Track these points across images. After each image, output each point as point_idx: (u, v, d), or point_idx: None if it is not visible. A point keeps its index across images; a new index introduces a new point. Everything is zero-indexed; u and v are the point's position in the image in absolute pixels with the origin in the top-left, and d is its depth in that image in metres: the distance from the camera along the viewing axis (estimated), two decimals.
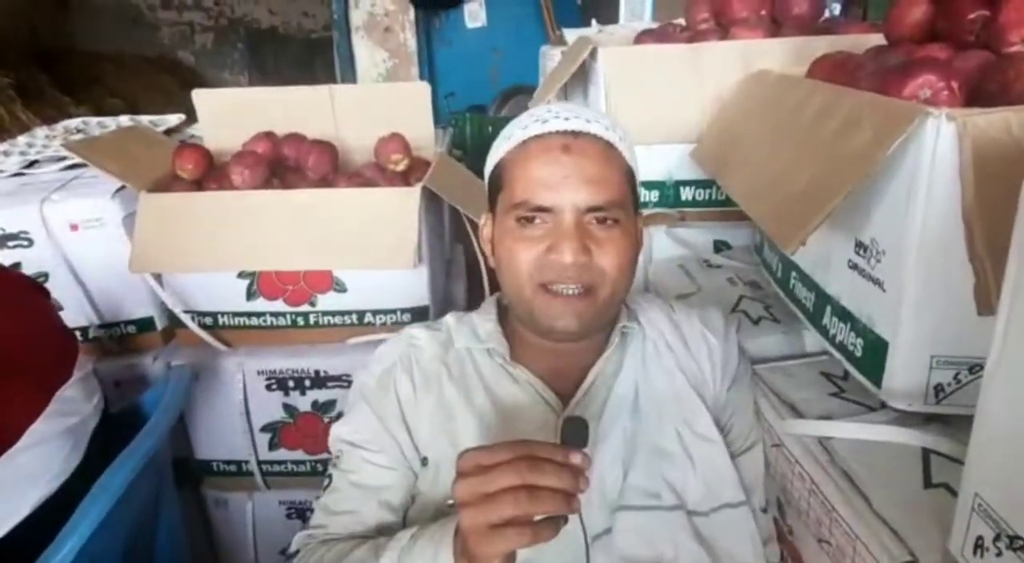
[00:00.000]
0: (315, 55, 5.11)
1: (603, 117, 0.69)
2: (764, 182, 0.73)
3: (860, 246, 0.66)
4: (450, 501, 0.69)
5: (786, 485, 0.69)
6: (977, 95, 0.61)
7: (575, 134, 0.66)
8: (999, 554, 0.39)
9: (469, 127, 2.59)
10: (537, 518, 0.51)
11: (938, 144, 0.54)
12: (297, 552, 0.75)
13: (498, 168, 0.71)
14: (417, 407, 0.73)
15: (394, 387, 0.74)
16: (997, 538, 0.39)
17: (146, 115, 1.66)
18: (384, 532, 0.71)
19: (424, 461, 0.72)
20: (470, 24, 3.27)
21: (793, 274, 0.83)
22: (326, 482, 0.78)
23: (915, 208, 0.57)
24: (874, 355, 0.65)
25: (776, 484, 0.72)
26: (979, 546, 0.41)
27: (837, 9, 1.81)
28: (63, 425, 0.86)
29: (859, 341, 0.67)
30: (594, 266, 0.65)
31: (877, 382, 0.64)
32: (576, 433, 0.56)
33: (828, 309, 0.73)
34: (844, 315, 0.70)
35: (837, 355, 0.72)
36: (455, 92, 3.12)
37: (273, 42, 5.34)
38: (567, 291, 0.66)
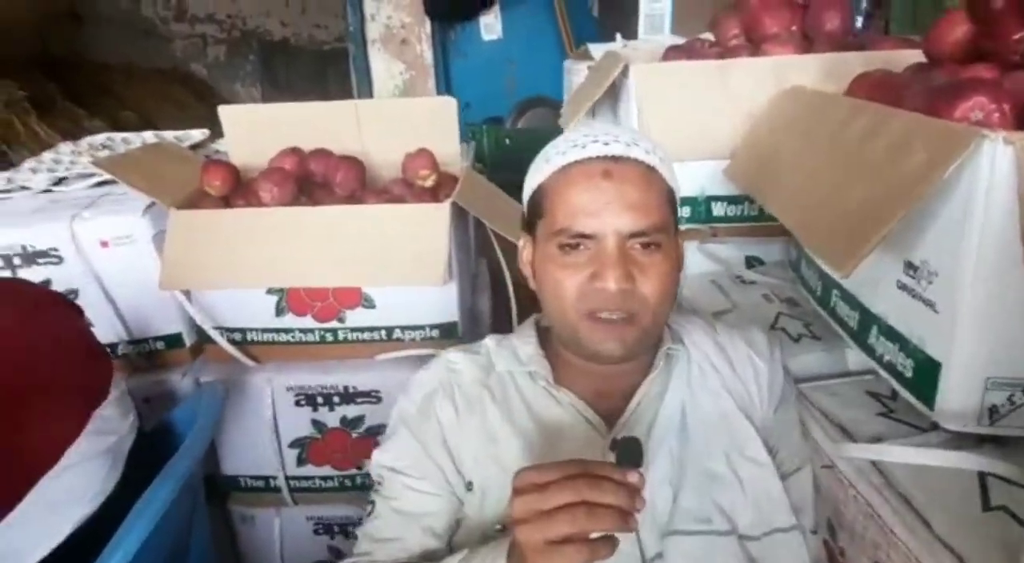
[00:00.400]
0: (327, 67, 5.14)
1: (642, 139, 0.69)
2: (810, 202, 0.73)
3: (910, 267, 0.66)
4: (498, 525, 0.69)
5: (838, 507, 0.68)
6: None
7: (615, 159, 0.66)
8: None
9: (486, 139, 2.60)
10: (593, 536, 0.51)
11: (995, 167, 0.54)
12: None
13: (538, 193, 0.71)
14: (460, 431, 0.73)
15: (435, 412, 0.74)
16: None
17: (163, 130, 1.67)
18: (429, 558, 0.71)
19: (469, 485, 0.72)
20: (486, 36, 3.29)
21: (835, 292, 0.82)
22: (368, 509, 0.77)
23: (971, 230, 0.57)
24: (926, 376, 0.64)
25: (827, 506, 0.71)
26: None
27: (859, 23, 1.81)
28: (102, 445, 0.86)
29: (909, 362, 0.67)
30: (637, 293, 0.65)
31: (929, 403, 0.64)
32: (631, 453, 0.56)
33: (874, 328, 0.73)
34: (892, 335, 0.70)
35: (885, 375, 0.71)
36: (470, 103, 3.14)
37: (285, 54, 5.38)
38: (611, 317, 0.66)
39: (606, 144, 0.67)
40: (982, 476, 0.60)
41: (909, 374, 0.67)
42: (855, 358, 0.82)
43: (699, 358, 0.74)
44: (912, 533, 0.56)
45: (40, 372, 0.84)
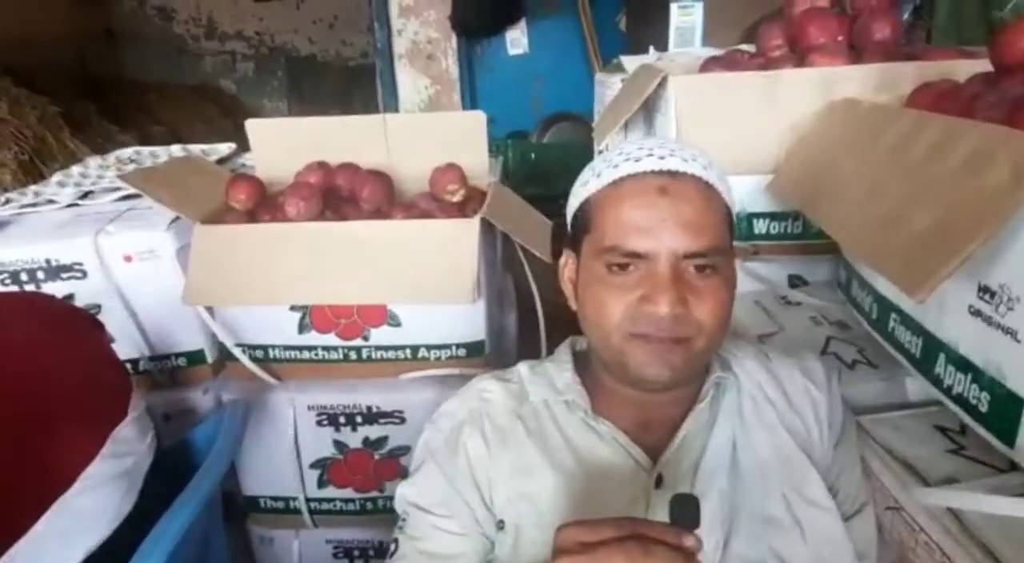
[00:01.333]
0: (353, 82, 5.19)
1: (700, 155, 0.65)
2: (873, 220, 0.68)
3: (986, 291, 0.60)
4: None
5: (906, 554, 0.62)
6: None
7: (672, 175, 0.62)
8: None
9: (511, 154, 2.58)
10: None
11: None
12: None
13: (584, 207, 0.67)
14: (491, 466, 0.68)
15: (464, 445, 0.70)
16: None
17: (192, 144, 1.67)
18: None
19: (500, 524, 0.67)
20: (512, 51, 3.28)
21: (894, 316, 0.76)
22: (392, 547, 0.72)
23: None
24: (1005, 411, 0.58)
25: (892, 551, 0.65)
26: None
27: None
28: (118, 468, 0.83)
29: (985, 395, 0.61)
30: (691, 319, 0.61)
31: (1010, 442, 0.58)
32: (686, 510, 0.51)
33: (941, 357, 0.67)
34: (964, 365, 0.64)
35: (954, 408, 0.65)
36: (496, 118, 3.12)
37: (312, 70, 5.45)
38: (660, 335, 0.61)
39: (662, 158, 0.63)
40: None
41: (984, 408, 0.61)
42: (915, 387, 0.76)
43: (751, 388, 0.68)
44: None
45: (59, 390, 0.82)
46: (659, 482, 0.64)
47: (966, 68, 0.87)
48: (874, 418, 0.72)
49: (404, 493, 0.72)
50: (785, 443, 0.65)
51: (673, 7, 2.06)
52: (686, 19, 2.07)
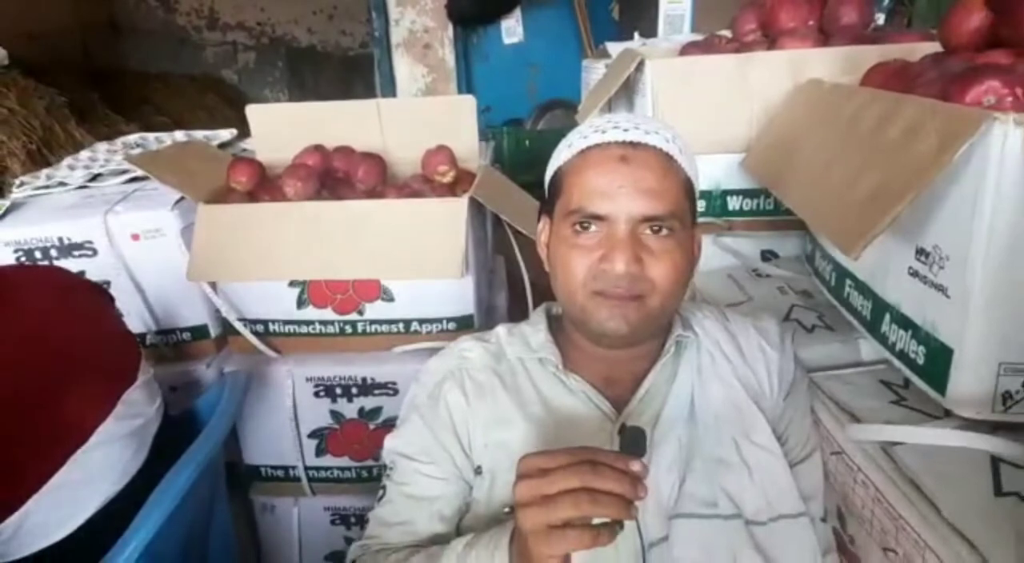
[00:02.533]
0: (352, 72, 5.23)
1: (664, 128, 0.70)
2: (823, 190, 0.73)
3: (921, 253, 0.65)
4: (506, 508, 0.69)
5: (847, 493, 0.68)
6: None
7: (634, 145, 0.67)
8: None
9: (506, 141, 2.62)
10: (595, 522, 0.52)
11: (1005, 149, 0.54)
12: (353, 562, 0.76)
13: (557, 175, 0.73)
14: (470, 417, 0.74)
15: (445, 399, 0.76)
16: None
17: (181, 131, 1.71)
18: (437, 542, 0.72)
19: (478, 470, 0.73)
20: (507, 40, 3.32)
21: (848, 282, 0.82)
22: (380, 493, 0.79)
23: (981, 213, 0.56)
24: (938, 363, 0.64)
25: (836, 493, 0.71)
26: None
27: (881, 19, 1.79)
28: (129, 427, 0.89)
29: (921, 349, 0.66)
30: (645, 277, 0.66)
31: (941, 390, 0.63)
32: (634, 442, 0.57)
33: (887, 317, 0.73)
34: (905, 323, 0.69)
35: (898, 363, 0.71)
36: (491, 106, 3.16)
37: (312, 60, 5.48)
38: (617, 292, 0.66)
39: (626, 130, 0.68)
40: (994, 462, 0.59)
41: (921, 361, 0.67)
42: (868, 349, 0.81)
43: (709, 345, 0.74)
44: (921, 518, 0.56)
45: (74, 354, 0.88)
46: (623, 430, 0.69)
47: (925, 50, 0.92)
48: (827, 375, 0.78)
49: (390, 444, 0.78)
50: (737, 394, 0.71)
51: None
52: (675, 7, 2.11)
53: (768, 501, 0.66)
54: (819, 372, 0.79)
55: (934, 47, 0.90)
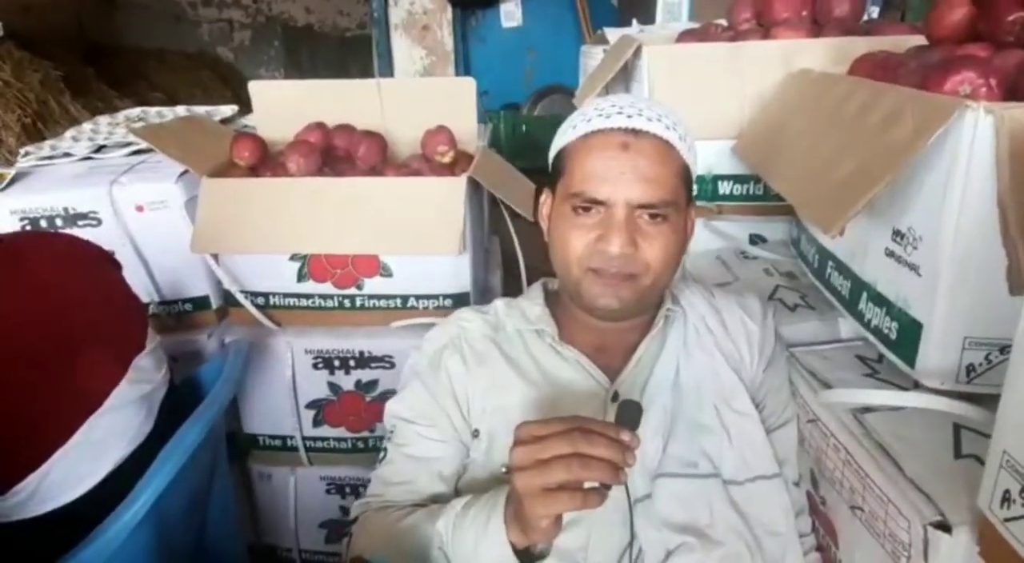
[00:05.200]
0: (349, 53, 5.22)
1: (665, 115, 0.73)
2: (807, 173, 0.77)
3: (897, 234, 0.69)
4: (504, 468, 0.73)
5: (820, 457, 0.72)
6: (1015, 92, 0.64)
7: (635, 132, 0.70)
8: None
9: (503, 125, 2.65)
10: (586, 485, 0.56)
11: (976, 135, 0.58)
12: (355, 520, 0.80)
13: (561, 154, 0.76)
14: (469, 383, 0.78)
15: (445, 365, 0.79)
16: (1022, 490, 0.43)
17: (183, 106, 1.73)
18: (437, 500, 0.76)
19: (476, 433, 0.77)
20: (506, 24, 3.33)
21: (830, 263, 0.86)
22: (381, 455, 0.83)
23: (952, 195, 0.60)
24: (909, 337, 0.68)
25: (810, 458, 0.76)
26: (1006, 499, 0.45)
27: (875, 12, 1.83)
28: (139, 392, 0.92)
29: (894, 324, 0.71)
30: (639, 258, 0.70)
31: (911, 362, 0.68)
32: (629, 416, 0.60)
33: (864, 295, 0.77)
34: (880, 300, 0.73)
35: (872, 339, 0.75)
36: (489, 90, 3.18)
37: (309, 39, 5.46)
38: (611, 270, 0.70)
39: (629, 117, 0.71)
40: (956, 429, 0.63)
41: (894, 336, 0.71)
42: (847, 327, 0.86)
43: (695, 319, 0.78)
44: (886, 477, 0.60)
45: (87, 318, 0.91)
46: (615, 397, 0.74)
47: (912, 42, 0.96)
48: (806, 349, 0.82)
49: (392, 409, 0.82)
50: (719, 364, 0.75)
51: None
52: None
53: (745, 462, 0.70)
54: (799, 347, 0.83)
55: (921, 40, 0.93)
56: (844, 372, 0.76)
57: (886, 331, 0.72)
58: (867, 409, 0.68)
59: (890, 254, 0.71)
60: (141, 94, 4.31)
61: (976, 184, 0.59)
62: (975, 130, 0.58)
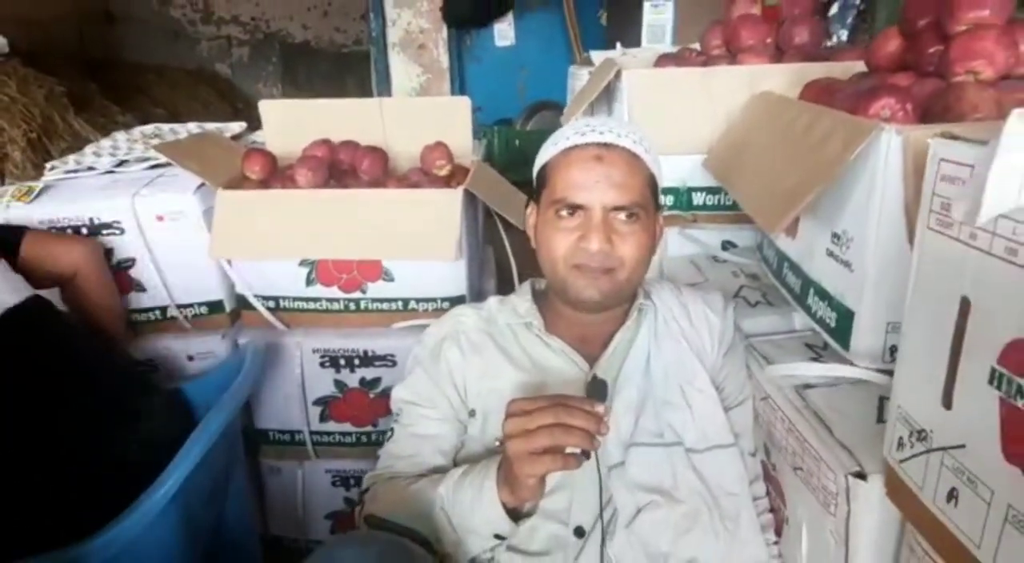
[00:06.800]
0: (345, 69, 5.33)
1: (633, 132, 0.85)
2: (760, 183, 0.89)
3: (835, 236, 0.81)
4: (496, 441, 0.84)
5: (771, 429, 0.83)
6: (928, 116, 0.76)
7: (607, 146, 0.82)
8: (912, 446, 0.54)
9: (496, 139, 2.76)
10: (567, 451, 0.66)
11: (889, 152, 0.70)
12: (367, 490, 0.90)
13: (544, 168, 0.87)
14: (466, 369, 0.89)
15: (444, 355, 0.90)
16: (911, 434, 0.54)
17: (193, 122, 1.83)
18: (438, 471, 0.86)
19: (472, 413, 0.88)
20: (499, 43, 3.47)
21: (785, 264, 0.97)
22: (389, 434, 0.93)
23: (873, 203, 0.72)
24: (844, 324, 0.79)
25: (763, 430, 0.86)
26: (900, 444, 0.56)
27: (844, 36, 1.95)
28: None
29: (833, 314, 0.82)
30: (615, 254, 0.81)
31: (846, 346, 0.79)
32: (598, 391, 0.72)
33: (811, 290, 0.88)
34: (823, 294, 0.85)
35: (817, 328, 0.87)
36: (482, 106, 3.31)
37: (306, 56, 5.57)
38: (592, 266, 0.81)
39: (601, 133, 0.83)
40: (880, 400, 0.74)
41: (833, 324, 0.82)
42: (800, 320, 0.97)
43: (664, 312, 0.89)
44: (820, 440, 0.71)
45: None
46: (591, 381, 0.84)
47: (858, 68, 1.08)
48: (763, 339, 0.93)
49: (398, 394, 0.92)
50: (684, 351, 0.86)
51: (646, 5, 2.25)
52: (658, 17, 2.26)
53: (704, 434, 0.81)
54: (757, 337, 0.94)
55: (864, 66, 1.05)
56: (792, 356, 0.87)
57: (827, 321, 0.83)
58: (808, 385, 0.79)
59: (830, 254, 0.82)
60: (143, 109, 4.40)
61: (890, 193, 0.70)
62: (888, 148, 0.69)
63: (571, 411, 0.66)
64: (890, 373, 0.75)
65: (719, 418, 0.83)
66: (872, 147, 0.70)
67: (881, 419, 0.71)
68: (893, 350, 0.75)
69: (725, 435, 0.82)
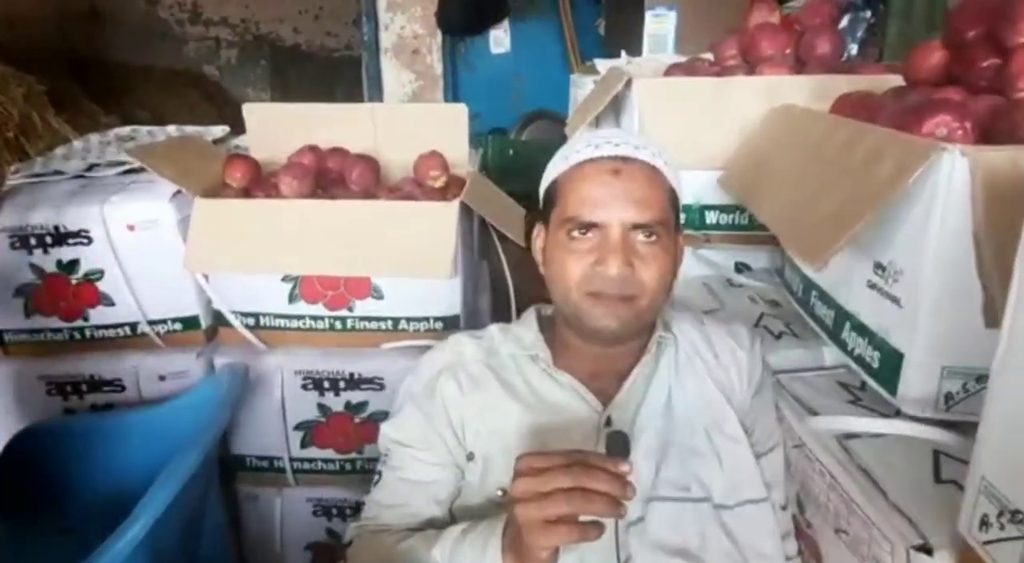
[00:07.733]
0: (336, 73, 5.24)
1: (650, 144, 0.77)
2: (792, 207, 0.80)
3: (879, 267, 0.73)
4: (499, 492, 0.74)
5: (806, 482, 0.75)
6: (987, 135, 0.68)
7: (624, 159, 0.74)
8: (1002, 528, 0.45)
9: (491, 149, 2.68)
10: (583, 519, 0.57)
11: (953, 176, 0.62)
12: (350, 543, 0.80)
13: (553, 185, 0.79)
14: (464, 407, 0.79)
15: (440, 390, 0.81)
16: (1000, 514, 0.46)
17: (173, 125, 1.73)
18: (433, 524, 0.77)
19: (470, 456, 0.78)
20: (494, 50, 3.40)
21: (814, 293, 0.89)
22: (376, 478, 0.83)
23: (931, 232, 0.64)
24: (890, 365, 0.71)
25: (796, 482, 0.78)
26: (984, 522, 0.47)
27: (855, 50, 1.90)
28: None
29: (876, 353, 0.74)
30: (636, 279, 0.72)
31: (892, 390, 0.71)
32: (619, 445, 0.62)
33: (847, 325, 0.80)
34: (862, 330, 0.76)
35: (855, 367, 0.78)
36: (477, 115, 3.22)
37: (296, 60, 5.48)
38: (610, 293, 0.72)
39: (616, 145, 0.75)
40: (936, 455, 0.66)
41: (876, 365, 0.74)
42: (830, 355, 0.89)
43: (686, 346, 0.80)
44: (869, 500, 0.63)
45: None
46: (608, 422, 0.75)
47: (890, 82, 1.00)
48: (791, 376, 0.85)
49: (387, 432, 0.83)
50: (710, 390, 0.77)
51: (647, 15, 2.18)
52: (660, 27, 2.20)
53: (735, 487, 0.72)
54: (784, 374, 0.86)
55: (898, 80, 0.98)
56: (828, 399, 0.78)
57: (868, 360, 0.75)
58: (850, 435, 0.71)
59: (872, 286, 0.74)
60: (126, 110, 4.29)
61: (952, 221, 0.62)
62: (951, 171, 0.61)
63: (591, 472, 0.57)
64: (945, 424, 0.68)
65: (751, 468, 0.74)
66: (931, 170, 0.63)
67: (939, 478, 0.63)
68: (949, 398, 0.67)
69: (758, 488, 0.73)
